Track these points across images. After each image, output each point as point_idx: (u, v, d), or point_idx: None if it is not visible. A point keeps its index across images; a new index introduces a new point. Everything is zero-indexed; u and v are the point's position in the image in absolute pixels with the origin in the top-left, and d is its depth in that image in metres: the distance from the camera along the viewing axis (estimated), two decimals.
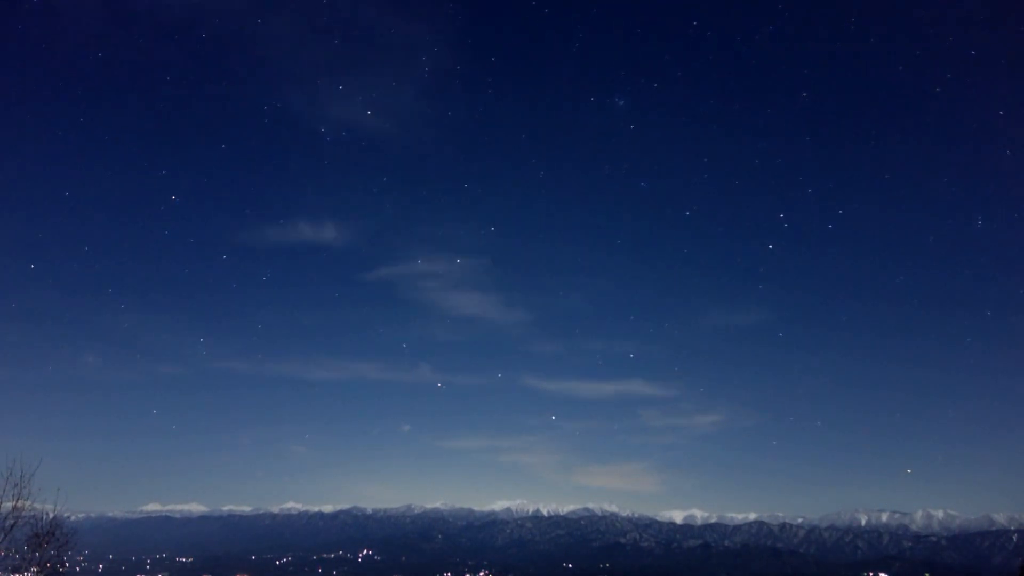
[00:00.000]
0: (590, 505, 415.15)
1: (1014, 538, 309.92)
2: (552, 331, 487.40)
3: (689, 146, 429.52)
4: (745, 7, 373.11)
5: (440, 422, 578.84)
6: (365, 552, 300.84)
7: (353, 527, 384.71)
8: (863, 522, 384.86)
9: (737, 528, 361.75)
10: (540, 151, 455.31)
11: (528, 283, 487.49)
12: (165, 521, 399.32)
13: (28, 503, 23.91)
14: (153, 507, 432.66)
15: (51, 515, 24.89)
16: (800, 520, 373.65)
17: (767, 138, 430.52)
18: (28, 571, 25.28)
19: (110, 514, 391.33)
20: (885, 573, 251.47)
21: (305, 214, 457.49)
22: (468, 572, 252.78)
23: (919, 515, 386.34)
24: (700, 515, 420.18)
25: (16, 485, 23.50)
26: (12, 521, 23.94)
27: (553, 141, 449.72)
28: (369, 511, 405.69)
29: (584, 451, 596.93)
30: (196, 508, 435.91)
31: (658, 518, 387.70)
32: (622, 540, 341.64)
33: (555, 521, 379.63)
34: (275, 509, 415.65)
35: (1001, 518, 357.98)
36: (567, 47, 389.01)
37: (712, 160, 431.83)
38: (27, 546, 24.75)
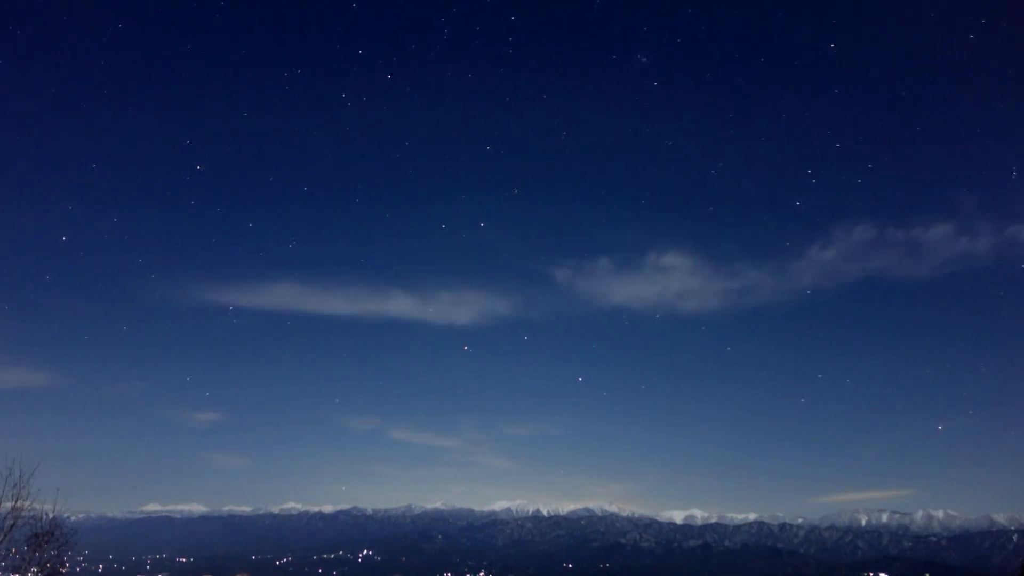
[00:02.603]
0: (590, 505, 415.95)
1: (1014, 538, 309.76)
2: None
3: (714, 102, 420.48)
4: None
5: None
6: (365, 552, 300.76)
7: (353, 527, 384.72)
8: (863, 522, 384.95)
9: (737, 528, 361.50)
10: (563, 111, 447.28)
11: (553, 247, 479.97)
12: (165, 521, 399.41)
13: (28, 503, 23.90)
14: (153, 507, 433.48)
15: (51, 515, 24.88)
16: (800, 520, 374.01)
17: (794, 92, 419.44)
18: (28, 571, 25.25)
19: (110, 514, 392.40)
20: (885, 573, 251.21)
21: (326, 187, 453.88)
22: (468, 572, 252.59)
23: (919, 515, 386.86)
24: (700, 515, 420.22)
25: (16, 485, 23.51)
26: (12, 521, 23.92)
27: (575, 101, 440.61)
28: (369, 511, 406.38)
29: None
30: (196, 508, 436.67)
31: (658, 518, 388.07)
32: (622, 540, 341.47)
33: (555, 521, 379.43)
34: (275, 509, 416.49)
35: (1001, 518, 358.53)
36: (587, 4, 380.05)
37: (738, 116, 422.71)
38: (27, 546, 24.74)
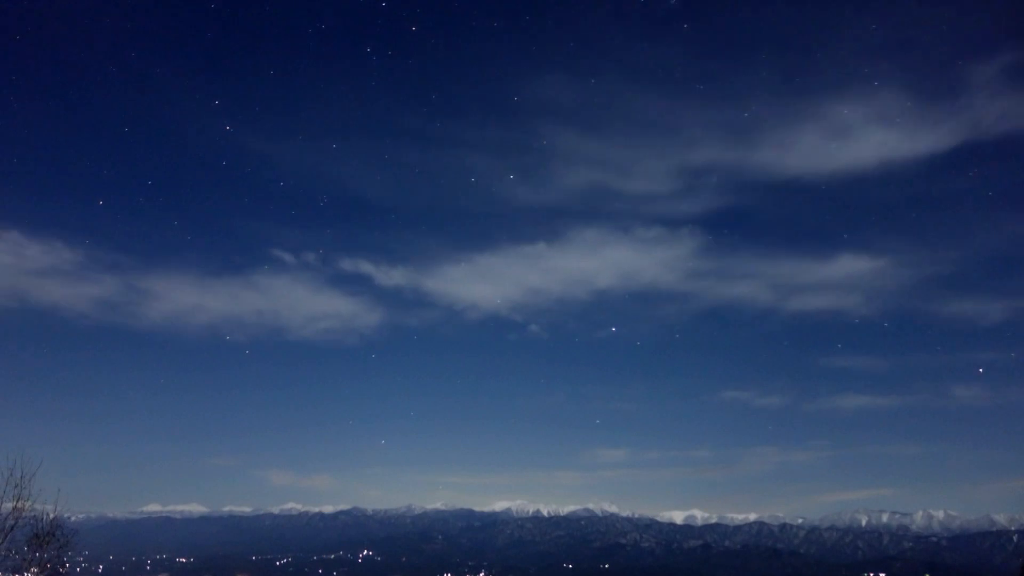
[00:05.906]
0: (590, 505, 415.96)
1: (1014, 538, 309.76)
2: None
3: (746, 43, 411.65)
4: None
5: None
6: (365, 553, 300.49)
7: (353, 527, 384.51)
8: (863, 523, 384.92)
9: (737, 528, 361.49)
10: (588, 56, 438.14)
11: (580, 204, 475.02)
12: (165, 521, 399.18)
13: (28, 504, 23.87)
14: (153, 507, 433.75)
15: (51, 516, 24.85)
16: (800, 520, 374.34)
17: (828, 31, 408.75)
18: (28, 572, 25.25)
19: (110, 514, 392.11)
20: (885, 574, 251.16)
21: (351, 146, 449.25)
22: (468, 573, 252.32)
23: (919, 515, 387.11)
24: (700, 515, 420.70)
25: (16, 486, 23.47)
26: (12, 522, 23.90)
27: (602, 43, 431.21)
28: (369, 511, 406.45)
29: None
30: (196, 508, 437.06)
31: (658, 518, 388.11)
32: (622, 540, 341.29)
33: (555, 521, 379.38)
34: (275, 509, 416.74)
35: (1001, 518, 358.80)
36: None
37: (771, 55, 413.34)
38: (27, 547, 24.72)
